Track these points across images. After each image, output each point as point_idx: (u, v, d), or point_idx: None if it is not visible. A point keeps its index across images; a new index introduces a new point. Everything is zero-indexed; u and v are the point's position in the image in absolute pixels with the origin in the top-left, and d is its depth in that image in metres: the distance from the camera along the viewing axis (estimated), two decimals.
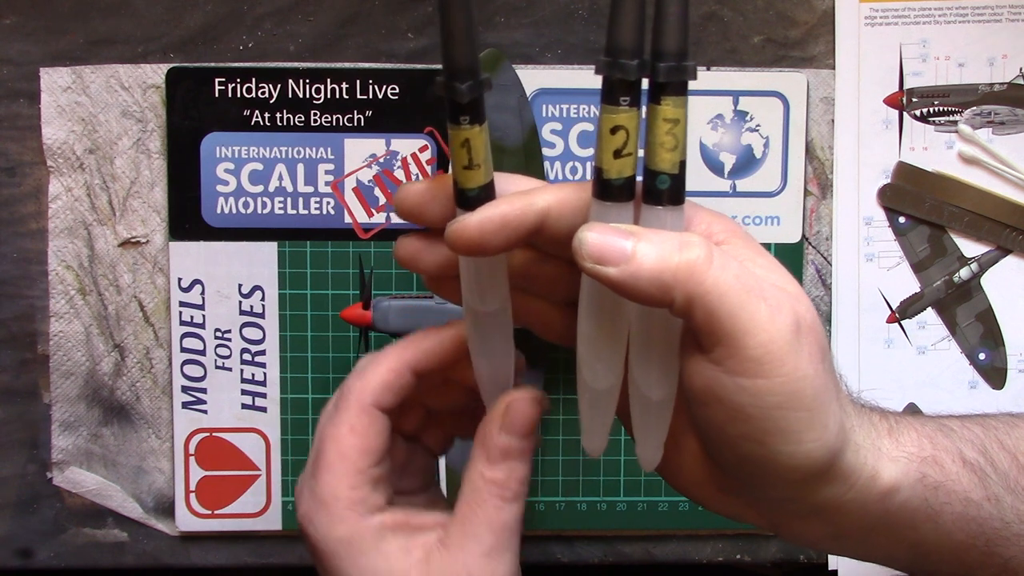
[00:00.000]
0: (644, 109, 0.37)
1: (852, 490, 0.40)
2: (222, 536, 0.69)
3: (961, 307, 0.69)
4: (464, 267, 0.41)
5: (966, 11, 0.67)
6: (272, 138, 0.67)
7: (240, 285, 0.67)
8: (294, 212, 0.67)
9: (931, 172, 0.68)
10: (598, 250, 0.37)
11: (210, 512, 0.68)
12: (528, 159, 0.65)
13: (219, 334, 0.67)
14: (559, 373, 0.68)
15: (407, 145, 0.67)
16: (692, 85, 0.36)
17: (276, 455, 0.68)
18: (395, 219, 0.67)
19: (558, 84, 0.67)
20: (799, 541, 0.44)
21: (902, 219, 0.69)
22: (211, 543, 0.69)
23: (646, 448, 0.42)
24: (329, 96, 0.66)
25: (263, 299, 0.67)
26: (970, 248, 0.69)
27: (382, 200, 0.67)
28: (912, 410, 0.69)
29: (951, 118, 0.68)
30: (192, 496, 0.68)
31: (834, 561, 0.70)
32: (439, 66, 0.36)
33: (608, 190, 0.37)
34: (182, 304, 0.67)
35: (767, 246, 0.66)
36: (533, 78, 0.66)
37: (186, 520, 0.68)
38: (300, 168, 0.67)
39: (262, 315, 0.67)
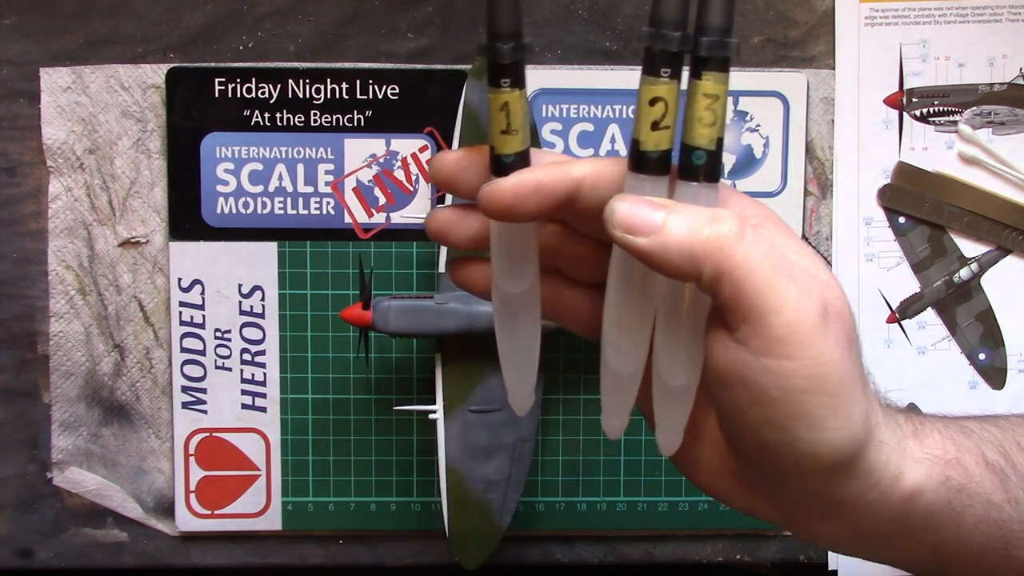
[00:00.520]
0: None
1: (874, 489, 0.40)
2: (222, 536, 0.69)
3: (961, 307, 0.69)
4: (495, 239, 0.40)
5: (966, 11, 0.67)
6: (272, 138, 0.67)
7: (240, 285, 0.67)
8: (294, 212, 0.67)
9: (931, 172, 0.68)
10: (628, 220, 0.36)
11: (210, 512, 0.68)
12: None
13: (219, 334, 0.67)
14: (559, 373, 0.68)
15: (407, 145, 0.67)
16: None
17: (276, 455, 0.68)
18: (395, 219, 0.67)
19: (558, 84, 0.67)
20: (815, 541, 0.43)
21: (902, 219, 0.69)
22: (211, 543, 0.69)
23: (667, 432, 0.41)
24: (329, 96, 0.66)
25: (263, 299, 0.67)
26: (970, 248, 0.69)
27: (382, 200, 0.67)
28: (912, 410, 0.69)
29: (951, 118, 0.68)
30: (192, 496, 0.68)
31: (834, 561, 0.70)
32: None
33: (644, 162, 0.37)
34: (182, 304, 0.67)
35: None
36: (533, 78, 0.66)
37: (186, 520, 0.68)
38: (300, 168, 0.67)
39: (262, 315, 0.67)
